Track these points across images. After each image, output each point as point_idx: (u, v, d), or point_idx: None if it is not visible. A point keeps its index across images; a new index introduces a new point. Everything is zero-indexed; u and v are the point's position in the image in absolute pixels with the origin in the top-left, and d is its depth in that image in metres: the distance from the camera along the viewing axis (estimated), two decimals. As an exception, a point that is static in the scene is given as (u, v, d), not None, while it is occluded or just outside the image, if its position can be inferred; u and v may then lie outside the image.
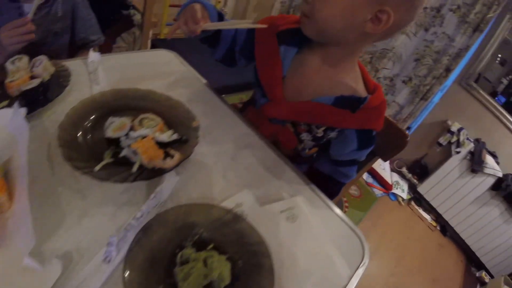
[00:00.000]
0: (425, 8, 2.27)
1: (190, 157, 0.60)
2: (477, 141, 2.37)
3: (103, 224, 0.49)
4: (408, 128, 2.64)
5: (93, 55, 0.85)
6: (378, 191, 2.58)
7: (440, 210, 2.57)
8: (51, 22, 1.08)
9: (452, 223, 2.54)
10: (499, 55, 2.34)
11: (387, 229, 2.33)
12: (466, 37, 2.18)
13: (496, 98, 2.38)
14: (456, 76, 2.40)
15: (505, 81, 2.39)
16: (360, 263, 0.58)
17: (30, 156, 0.49)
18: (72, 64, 0.80)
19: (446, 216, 2.55)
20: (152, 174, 0.54)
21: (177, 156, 0.54)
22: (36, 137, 0.58)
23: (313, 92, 0.72)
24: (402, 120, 2.55)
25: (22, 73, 0.71)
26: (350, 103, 0.69)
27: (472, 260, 2.55)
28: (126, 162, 0.54)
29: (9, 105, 0.65)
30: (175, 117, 0.68)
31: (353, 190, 2.44)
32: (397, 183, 2.70)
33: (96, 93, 0.71)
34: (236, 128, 0.78)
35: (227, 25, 0.74)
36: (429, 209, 2.68)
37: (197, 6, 0.71)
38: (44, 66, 0.73)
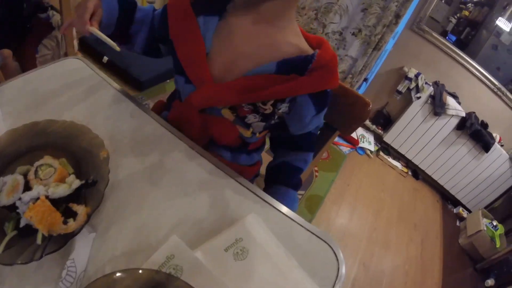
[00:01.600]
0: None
1: (104, 198, 0.50)
2: (436, 84, 2.38)
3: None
4: (365, 80, 2.61)
5: None
6: (345, 148, 2.59)
7: (409, 155, 2.63)
8: None
9: (423, 166, 2.61)
10: None
11: (361, 185, 2.36)
12: (412, -21, 2.11)
13: (447, 37, 2.37)
14: (406, 21, 2.35)
15: (453, 20, 2.38)
16: (336, 279, 0.52)
17: None
18: None
19: (416, 161, 2.62)
20: (61, 241, 0.45)
21: (81, 212, 0.45)
22: None
23: (248, 63, 0.61)
24: (358, 73, 2.51)
25: None
26: (296, 65, 0.59)
27: (447, 199, 2.67)
28: (34, 230, 0.45)
29: None
30: (80, 149, 0.57)
31: (321, 152, 2.43)
32: (363, 136, 2.71)
33: None
34: (158, 143, 0.66)
35: (108, 40, 0.62)
36: (398, 156, 2.74)
37: (90, 4, 0.62)
38: None
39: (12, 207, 0.47)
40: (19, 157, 0.56)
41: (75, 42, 2.01)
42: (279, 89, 0.59)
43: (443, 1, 2.34)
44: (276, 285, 0.48)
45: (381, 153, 2.71)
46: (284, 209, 0.61)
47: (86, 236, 0.47)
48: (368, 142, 2.68)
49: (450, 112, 2.30)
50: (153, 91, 2.25)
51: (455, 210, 2.60)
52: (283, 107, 0.64)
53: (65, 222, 0.44)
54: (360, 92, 2.66)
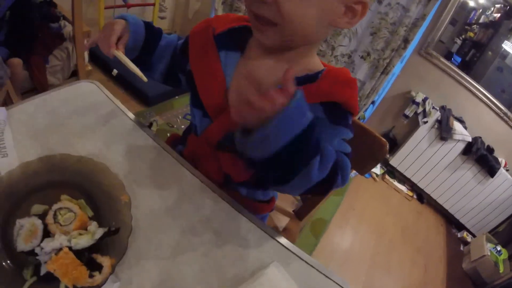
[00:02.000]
0: (377, -21, 2.18)
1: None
2: (442, 108, 2.39)
3: None
4: (373, 102, 2.62)
5: None
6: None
7: (415, 179, 2.62)
8: None
9: (428, 190, 2.60)
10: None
11: (366, 208, 2.34)
12: (421, 6, 2.13)
13: (452, 59, 2.39)
14: (415, 45, 2.36)
15: (458, 41, 2.39)
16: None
17: None
18: None
19: (421, 185, 2.61)
20: None
21: (106, 264, 0.43)
22: None
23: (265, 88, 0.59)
24: (365, 96, 2.51)
25: None
26: (306, 80, 0.57)
27: (452, 223, 2.65)
28: (55, 276, 0.42)
29: None
30: (99, 189, 0.55)
31: (327, 176, 2.42)
32: (369, 160, 2.70)
33: (2, 174, 0.55)
34: (177, 183, 0.64)
35: (133, 67, 0.61)
36: (404, 180, 2.72)
37: (117, 26, 0.62)
38: None
39: (30, 252, 0.44)
40: (32, 194, 0.54)
41: (86, 54, 2.01)
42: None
43: (447, 22, 2.35)
44: None
45: (386, 176, 2.70)
46: (306, 256, 0.59)
47: (110, 286, 0.45)
48: (373, 164, 2.67)
49: (456, 137, 2.29)
50: (161, 107, 2.24)
51: (459, 235, 2.58)
52: None
53: (90, 276, 0.42)
54: (367, 115, 2.67)
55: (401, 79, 2.51)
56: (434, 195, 2.60)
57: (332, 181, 0.49)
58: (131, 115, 0.76)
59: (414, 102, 2.42)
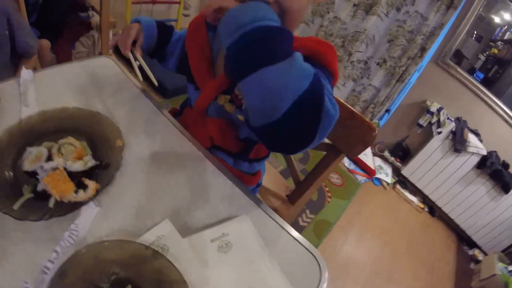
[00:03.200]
0: (396, -14, 2.21)
1: (113, 182, 0.55)
2: (458, 120, 2.35)
3: (23, 265, 0.45)
4: (387, 111, 2.61)
5: (25, 73, 0.79)
6: (361, 177, 2.55)
7: (426, 191, 2.56)
8: None
9: (440, 203, 2.54)
10: (475, 32, 2.30)
11: (373, 215, 2.31)
12: (439, 14, 2.14)
13: (474, 74, 2.36)
14: (432, 55, 2.36)
15: (482, 57, 2.37)
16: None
17: None
18: (5, 86, 0.75)
19: (433, 197, 2.55)
20: (69, 208, 0.50)
21: (91, 187, 0.49)
22: None
23: None
24: (380, 104, 2.51)
25: None
26: None
27: (463, 239, 2.56)
28: (48, 196, 0.50)
29: None
30: (99, 136, 0.63)
31: (335, 178, 2.42)
32: (380, 167, 2.68)
33: (23, 118, 0.66)
34: (168, 140, 0.71)
35: (147, 69, 0.74)
36: (415, 191, 2.67)
37: (132, 31, 0.73)
38: None
39: (33, 174, 0.52)
40: (46, 135, 0.63)
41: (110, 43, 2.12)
42: None
43: (473, 38, 2.34)
44: (254, 281, 0.49)
45: (397, 186, 2.66)
46: (278, 218, 0.62)
47: (91, 207, 0.51)
48: (385, 173, 2.64)
49: (470, 149, 2.24)
50: (178, 100, 2.34)
51: (470, 252, 2.49)
52: None
53: (76, 192, 0.49)
54: (382, 123, 2.66)
55: (416, 88, 2.50)
56: (446, 209, 2.53)
57: (318, 95, 0.46)
58: (139, 85, 0.84)
59: (428, 111, 2.40)
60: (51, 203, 0.49)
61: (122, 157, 0.59)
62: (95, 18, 2.01)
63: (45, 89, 0.77)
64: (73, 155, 0.54)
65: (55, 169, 0.49)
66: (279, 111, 0.44)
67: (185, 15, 2.95)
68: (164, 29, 0.82)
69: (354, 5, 2.37)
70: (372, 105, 2.55)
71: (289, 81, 0.43)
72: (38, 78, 0.80)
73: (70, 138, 0.58)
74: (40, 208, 0.49)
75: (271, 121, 0.45)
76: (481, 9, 2.17)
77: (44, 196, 0.50)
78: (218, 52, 0.71)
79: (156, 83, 0.72)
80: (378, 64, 2.46)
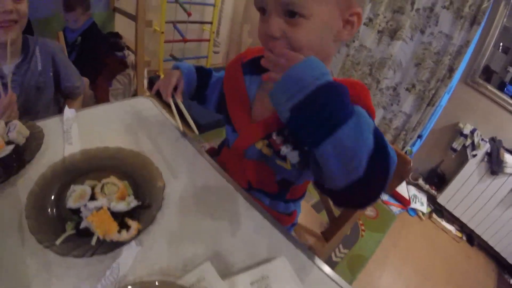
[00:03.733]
0: (418, 9, 2.22)
1: (154, 222, 0.56)
2: (492, 140, 2.24)
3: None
4: (419, 136, 2.54)
5: (68, 112, 0.85)
6: (395, 208, 2.45)
7: (464, 219, 2.41)
8: (32, 77, 1.06)
9: (479, 231, 2.37)
10: (501, 43, 2.22)
11: (410, 248, 2.19)
12: (464, 32, 2.10)
13: (505, 89, 2.25)
14: (460, 74, 2.30)
15: (511, 70, 2.26)
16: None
17: (2, 225, 0.52)
18: (49, 123, 0.81)
19: (471, 225, 2.39)
20: (111, 247, 0.52)
21: (134, 227, 0.51)
22: (10, 206, 0.58)
23: None
24: (412, 130, 2.45)
25: None
26: None
27: (504, 268, 2.36)
28: (89, 233, 0.52)
29: None
30: (140, 176, 0.66)
31: (369, 211, 2.33)
32: (415, 196, 2.56)
33: (66, 156, 0.70)
34: (208, 181, 0.73)
35: (187, 116, 0.81)
36: (452, 219, 2.52)
37: (173, 78, 0.80)
38: (18, 130, 0.72)
39: (76, 211, 0.55)
40: (89, 173, 0.66)
41: (145, 81, 2.26)
42: None
43: (500, 51, 2.25)
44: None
45: (433, 215, 2.53)
46: (318, 260, 0.61)
47: (133, 247, 0.53)
48: (420, 203, 2.52)
49: (508, 170, 2.10)
50: (211, 135, 2.41)
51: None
52: None
53: (119, 232, 0.51)
54: (414, 149, 2.58)
55: (448, 111, 2.42)
56: (485, 236, 2.35)
57: (383, 144, 0.46)
58: (180, 127, 0.87)
59: (462, 134, 2.30)
60: (93, 241, 0.51)
61: (164, 197, 0.61)
62: (130, 57, 2.15)
63: (88, 128, 0.82)
64: (116, 194, 0.56)
65: (99, 208, 0.52)
66: (359, 169, 0.44)
67: (215, 52, 3.11)
68: (203, 73, 0.87)
69: (379, 31, 2.39)
70: (404, 132, 2.49)
71: (361, 137, 0.44)
72: (81, 117, 0.85)
73: (113, 178, 0.60)
74: (82, 245, 0.51)
75: (353, 181, 0.45)
76: (505, 19, 2.11)
77: (86, 233, 0.52)
78: (255, 96, 0.73)
79: (196, 131, 0.76)
80: (407, 89, 2.42)
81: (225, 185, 0.73)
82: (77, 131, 0.80)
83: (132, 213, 0.55)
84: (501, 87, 2.25)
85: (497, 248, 2.32)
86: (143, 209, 0.57)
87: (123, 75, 2.13)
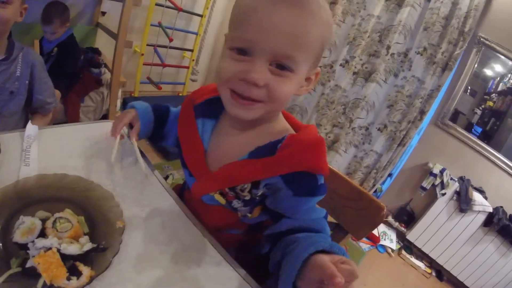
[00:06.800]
0: (393, 54, 2.35)
1: (109, 267, 0.49)
2: (461, 179, 2.33)
3: None
4: (390, 175, 2.60)
5: (30, 128, 0.77)
6: (365, 245, 2.44)
7: (433, 255, 2.45)
8: (8, 80, 1.07)
9: (448, 266, 2.41)
10: (469, 87, 2.37)
11: (379, 285, 2.17)
12: (436, 77, 2.23)
13: (472, 130, 2.38)
14: (431, 117, 2.42)
15: (478, 112, 2.38)
16: None
17: None
18: (7, 137, 0.73)
19: (440, 261, 2.43)
20: None
21: (85, 274, 0.45)
22: None
23: (233, 154, 0.63)
24: (382, 168, 2.50)
25: None
26: (267, 149, 0.59)
27: (474, 302, 2.38)
28: (37, 274, 0.45)
29: None
30: (99, 213, 0.59)
31: (338, 246, 2.30)
32: (384, 233, 2.58)
33: (20, 179, 0.62)
34: (174, 225, 0.66)
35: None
36: (422, 255, 2.55)
37: (126, 119, 0.77)
38: None
39: (23, 246, 0.48)
40: (42, 202, 0.59)
41: (118, 102, 2.19)
42: (251, 173, 0.59)
43: (468, 94, 2.39)
44: None
45: (403, 251, 2.54)
46: None
47: None
48: (390, 239, 2.54)
49: (476, 208, 2.18)
50: (179, 163, 2.32)
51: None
52: (259, 192, 0.61)
53: (68, 279, 0.44)
54: (384, 187, 2.63)
55: (418, 151, 2.51)
56: (454, 272, 2.39)
57: None
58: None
59: (431, 173, 2.38)
60: (39, 285, 0.44)
61: (122, 240, 0.54)
62: (106, 76, 2.09)
63: (48, 149, 0.74)
64: (69, 233, 0.50)
65: (47, 249, 0.45)
66: None
67: (193, 80, 3.10)
68: (161, 112, 0.82)
69: (354, 73, 2.49)
70: (375, 171, 2.53)
71: None
72: (43, 135, 0.77)
73: (67, 211, 0.54)
74: (27, 286, 0.44)
75: None
76: (476, 65, 2.26)
77: (32, 272, 0.45)
78: (209, 141, 0.69)
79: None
80: (379, 129, 2.50)
81: (192, 230, 0.66)
82: (36, 151, 0.72)
83: (85, 256, 0.49)
84: (469, 128, 2.38)
85: (467, 283, 2.36)
86: (98, 252, 0.50)
87: (96, 92, 2.06)
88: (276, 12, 0.49)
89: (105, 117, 2.18)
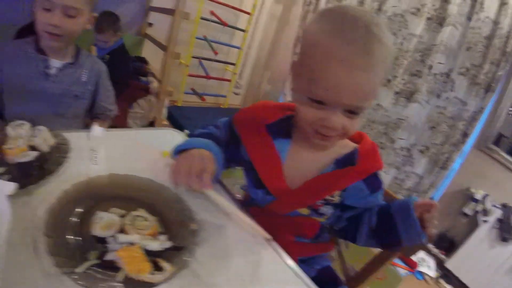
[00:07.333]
0: (435, 74, 2.30)
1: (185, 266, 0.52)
2: (504, 206, 2.20)
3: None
4: (430, 199, 2.50)
5: (97, 130, 0.83)
6: (402, 270, 2.35)
7: (472, 286, 2.30)
8: (73, 84, 1.12)
9: (487, 299, 2.26)
10: (510, 109, 2.26)
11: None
12: (478, 99, 2.16)
13: None
14: (474, 140, 2.33)
15: None
16: None
17: (13, 237, 0.45)
18: (75, 136, 0.78)
19: (479, 293, 2.28)
20: (139, 286, 0.47)
21: (168, 270, 0.48)
22: (24, 217, 0.51)
23: (314, 169, 0.72)
24: (423, 192, 2.42)
25: (21, 141, 0.68)
26: (347, 160, 0.71)
27: None
28: (113, 266, 0.48)
29: (6, 173, 0.61)
30: (171, 215, 0.62)
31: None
32: (423, 259, 2.47)
33: (92, 176, 0.66)
34: (242, 234, 0.66)
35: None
36: (460, 286, 2.41)
37: (210, 168, 0.64)
38: (43, 137, 0.71)
39: (100, 240, 0.52)
40: (113, 200, 0.62)
41: (164, 111, 2.29)
42: (341, 181, 0.71)
43: (510, 115, 2.28)
44: None
45: (441, 280, 2.42)
46: None
47: None
48: (427, 266, 2.43)
49: None
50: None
51: None
52: (345, 194, 0.74)
53: (151, 273, 0.47)
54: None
55: (460, 175, 2.41)
56: None
57: None
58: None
59: (473, 199, 2.27)
60: (120, 277, 0.46)
61: (196, 241, 0.56)
62: (154, 84, 2.20)
63: (114, 150, 0.79)
64: (147, 231, 0.53)
65: (131, 244, 0.49)
66: None
67: (236, 94, 3.18)
68: (218, 142, 0.75)
69: (396, 92, 2.45)
70: (416, 194, 2.46)
71: None
72: (109, 136, 0.83)
73: (142, 211, 0.57)
74: (106, 279, 0.46)
75: None
76: None
77: (110, 264, 0.48)
78: (286, 160, 0.73)
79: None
80: (420, 151, 2.43)
81: (261, 239, 0.66)
82: (103, 151, 0.77)
83: (161, 254, 0.51)
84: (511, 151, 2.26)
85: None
86: (174, 252, 0.53)
87: (144, 100, 2.17)
88: (352, 78, 0.56)
89: (151, 124, 2.28)
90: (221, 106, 3.27)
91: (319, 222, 0.77)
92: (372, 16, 0.58)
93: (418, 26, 2.33)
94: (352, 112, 0.60)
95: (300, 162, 0.73)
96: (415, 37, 2.35)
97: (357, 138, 0.76)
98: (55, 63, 1.07)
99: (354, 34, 0.55)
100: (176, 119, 2.54)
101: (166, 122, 2.46)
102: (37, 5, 0.97)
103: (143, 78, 2.28)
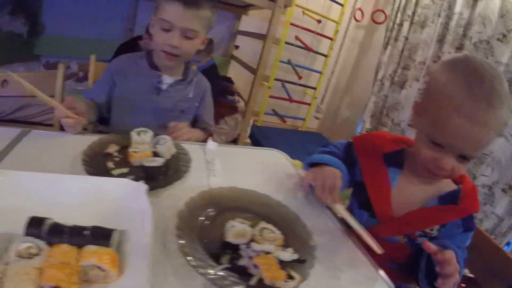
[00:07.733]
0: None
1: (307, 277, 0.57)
2: None
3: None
4: (508, 244, 2.31)
5: (211, 144, 0.91)
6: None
7: None
8: (181, 100, 1.16)
9: None
10: None
11: None
12: None
13: None
14: None
15: None
16: None
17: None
18: (190, 148, 0.86)
19: None
20: None
21: (297, 279, 0.54)
22: (154, 217, 0.55)
23: (418, 201, 0.79)
24: (501, 235, 2.25)
25: (145, 146, 0.77)
26: (450, 197, 0.77)
27: None
28: (241, 271, 0.54)
29: (129, 173, 0.70)
30: (291, 231, 0.67)
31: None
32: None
33: (214, 187, 0.73)
34: (348, 254, 0.71)
35: (351, 220, 0.72)
36: None
37: (338, 184, 0.74)
38: (167, 146, 0.80)
39: (230, 246, 0.58)
40: (233, 211, 0.69)
41: (249, 129, 2.45)
42: (442, 217, 0.77)
43: None
44: None
45: None
46: None
47: None
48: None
49: None
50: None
51: None
52: (444, 230, 0.78)
53: (284, 281, 0.52)
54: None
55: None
56: None
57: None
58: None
59: None
60: (254, 282, 0.52)
61: (316, 257, 0.61)
62: (240, 104, 2.40)
63: (229, 164, 0.86)
64: (275, 242, 0.59)
65: (266, 253, 0.55)
66: None
67: (317, 118, 3.27)
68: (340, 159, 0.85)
69: (481, 126, 2.32)
70: (493, 236, 2.28)
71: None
72: (221, 151, 0.89)
73: (269, 225, 0.63)
74: (240, 283, 0.51)
75: None
76: None
77: (239, 270, 0.54)
78: (394, 187, 0.80)
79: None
80: (503, 190, 2.26)
81: (366, 262, 0.70)
82: (220, 164, 0.84)
83: (287, 264, 0.56)
84: None
85: None
86: (298, 264, 0.58)
87: (231, 117, 2.35)
88: (473, 131, 0.63)
89: (235, 141, 2.42)
90: (299, 129, 3.38)
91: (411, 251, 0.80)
92: (495, 71, 0.65)
93: (505, 53, 2.21)
94: (464, 157, 0.68)
95: (407, 192, 0.80)
96: (501, 65, 2.21)
97: (458, 179, 0.81)
98: (167, 79, 1.12)
99: (480, 91, 0.62)
100: (256, 138, 2.69)
101: (248, 140, 2.61)
102: (155, 25, 1.01)
103: (230, 97, 2.46)
